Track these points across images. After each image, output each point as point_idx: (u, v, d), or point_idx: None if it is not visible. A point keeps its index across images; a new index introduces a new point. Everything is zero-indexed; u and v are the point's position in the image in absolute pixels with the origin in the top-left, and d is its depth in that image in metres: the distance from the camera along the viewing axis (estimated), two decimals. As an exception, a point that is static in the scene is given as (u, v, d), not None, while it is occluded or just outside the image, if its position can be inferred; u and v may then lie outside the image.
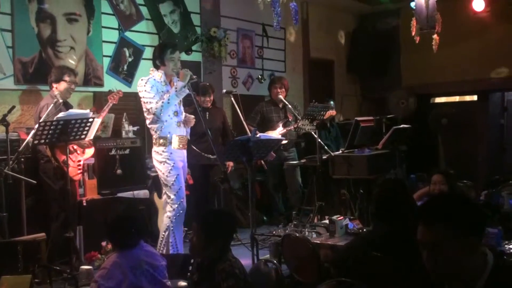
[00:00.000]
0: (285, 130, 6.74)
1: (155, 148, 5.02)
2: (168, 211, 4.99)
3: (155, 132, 4.99)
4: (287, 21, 7.94)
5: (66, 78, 5.30)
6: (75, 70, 5.64)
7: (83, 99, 6.21)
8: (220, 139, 6.44)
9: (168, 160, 4.96)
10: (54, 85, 5.25)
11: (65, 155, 4.85)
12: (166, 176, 4.95)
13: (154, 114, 4.88)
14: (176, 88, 4.91)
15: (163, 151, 4.96)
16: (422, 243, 1.94)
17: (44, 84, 5.49)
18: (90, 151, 5.41)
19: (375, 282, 3.09)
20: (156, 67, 5.05)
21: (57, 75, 5.28)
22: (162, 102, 4.86)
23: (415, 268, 2.38)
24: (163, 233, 4.98)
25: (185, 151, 5.17)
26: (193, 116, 5.27)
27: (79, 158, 5.27)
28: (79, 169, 5.28)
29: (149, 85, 4.91)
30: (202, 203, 6.27)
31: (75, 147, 5.23)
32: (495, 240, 3.82)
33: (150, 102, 4.88)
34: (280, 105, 7.07)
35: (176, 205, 4.96)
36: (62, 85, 5.29)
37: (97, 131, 5.42)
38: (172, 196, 4.96)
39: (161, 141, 4.97)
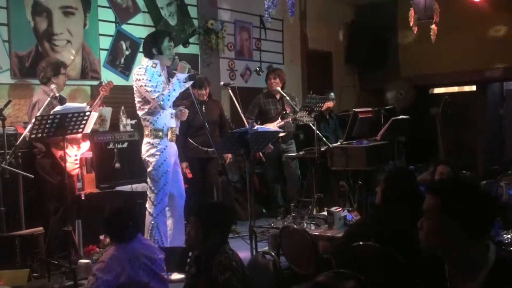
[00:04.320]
0: (283, 122, 6.73)
1: (149, 140, 4.86)
2: (149, 208, 4.88)
3: (150, 123, 4.84)
4: (284, 12, 7.91)
5: (63, 70, 5.30)
6: (65, 63, 5.59)
7: (80, 92, 6.20)
8: (217, 131, 6.42)
9: (162, 154, 4.85)
10: (54, 80, 5.22)
11: (60, 150, 4.82)
12: (156, 170, 4.83)
13: (159, 104, 4.73)
14: (178, 78, 4.80)
15: (158, 144, 4.84)
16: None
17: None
18: (85, 145, 5.38)
19: (373, 272, 3.09)
20: (151, 56, 4.87)
21: (55, 69, 5.25)
22: (169, 91, 4.75)
23: (413, 258, 2.38)
24: (150, 232, 4.84)
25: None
26: (187, 110, 5.19)
27: (75, 152, 5.25)
28: (76, 164, 5.26)
29: (149, 74, 4.76)
30: (200, 196, 6.26)
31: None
32: (493, 230, 3.81)
33: (154, 91, 4.71)
34: (278, 97, 7.05)
35: (158, 202, 4.85)
36: (61, 79, 5.27)
37: (95, 124, 5.40)
38: (156, 191, 4.85)
39: (157, 133, 4.84)
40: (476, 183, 2.19)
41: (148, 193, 4.96)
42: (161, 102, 4.73)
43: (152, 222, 4.85)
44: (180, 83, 4.81)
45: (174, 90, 4.79)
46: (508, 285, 1.89)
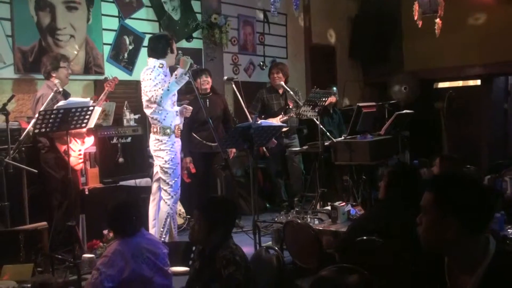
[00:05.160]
0: (286, 117, 6.72)
1: (158, 137, 5.08)
2: (166, 199, 5.12)
3: (159, 122, 5.07)
4: (288, 7, 7.87)
5: (63, 64, 5.30)
6: (67, 56, 5.60)
7: (84, 87, 6.20)
8: (221, 126, 6.41)
9: (172, 149, 5.09)
10: (53, 74, 5.22)
11: (64, 145, 4.83)
12: (168, 164, 5.06)
13: (155, 102, 4.95)
14: (176, 75, 4.93)
15: (167, 140, 5.07)
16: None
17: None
18: (90, 140, 5.39)
19: (376, 267, 3.09)
20: (163, 56, 5.09)
21: (54, 63, 5.26)
22: (162, 90, 4.93)
23: (416, 252, 2.37)
24: (165, 220, 5.09)
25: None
26: (190, 107, 5.36)
27: (79, 147, 5.26)
28: (80, 158, 5.27)
29: (155, 74, 5.00)
30: (204, 191, 6.26)
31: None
32: (498, 224, 3.81)
33: (151, 91, 4.94)
34: (280, 91, 7.03)
35: (175, 193, 5.13)
36: (61, 72, 5.28)
37: (98, 119, 5.41)
38: (171, 183, 5.10)
39: (165, 130, 5.07)
40: (472, 178, 2.16)
41: (162, 186, 5.15)
42: (156, 99, 4.95)
43: (168, 212, 5.11)
44: (176, 79, 4.95)
45: (168, 89, 4.97)
46: (506, 278, 1.88)
